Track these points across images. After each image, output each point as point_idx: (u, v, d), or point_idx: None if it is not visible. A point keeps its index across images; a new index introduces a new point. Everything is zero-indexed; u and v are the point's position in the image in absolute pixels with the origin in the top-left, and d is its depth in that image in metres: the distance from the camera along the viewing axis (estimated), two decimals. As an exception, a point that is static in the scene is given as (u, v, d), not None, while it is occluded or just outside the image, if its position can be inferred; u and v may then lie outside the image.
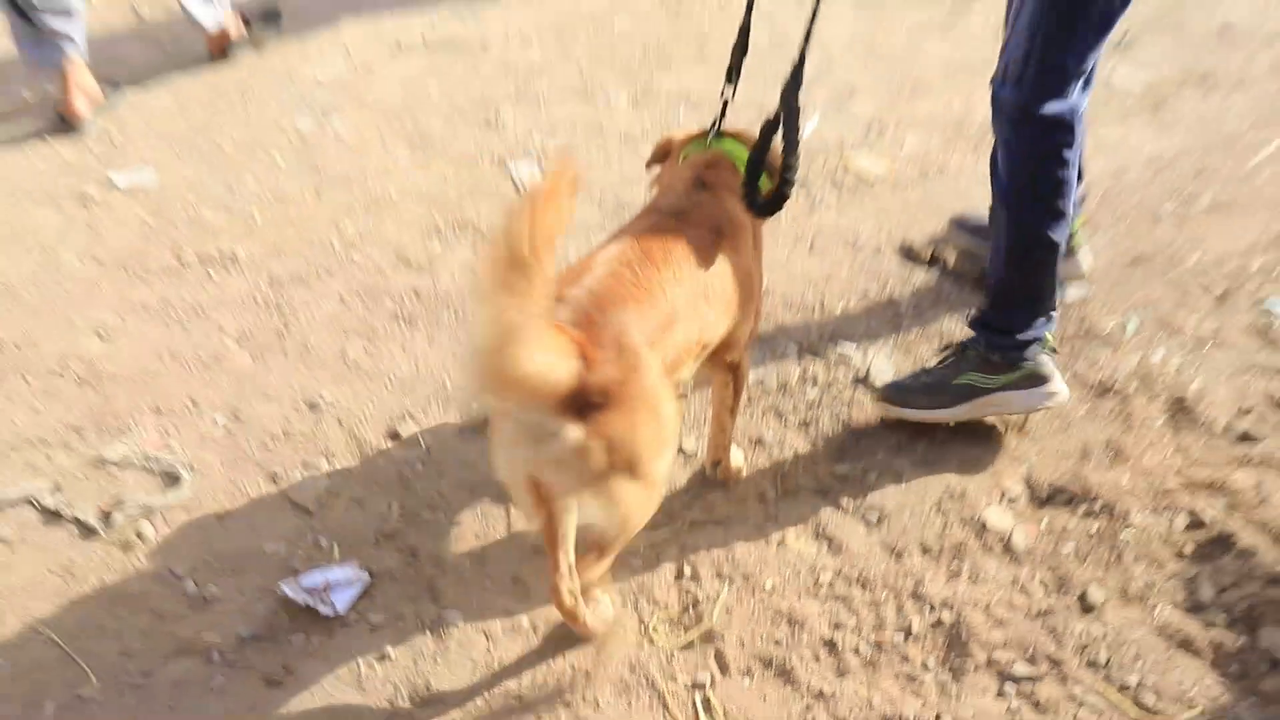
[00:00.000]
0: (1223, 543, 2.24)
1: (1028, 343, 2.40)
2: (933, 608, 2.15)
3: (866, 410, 2.61)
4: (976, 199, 3.26)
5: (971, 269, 2.99)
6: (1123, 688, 1.98)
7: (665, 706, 2.00)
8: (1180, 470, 2.40)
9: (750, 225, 2.15)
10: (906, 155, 3.55)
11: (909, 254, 3.10)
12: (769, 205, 2.07)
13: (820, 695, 2.00)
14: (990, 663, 2.04)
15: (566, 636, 2.12)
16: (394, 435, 2.62)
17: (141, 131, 3.99)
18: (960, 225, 3.07)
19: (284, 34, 4.58)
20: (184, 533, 2.42)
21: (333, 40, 4.58)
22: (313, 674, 2.09)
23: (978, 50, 4.11)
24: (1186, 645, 2.05)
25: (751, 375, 2.69)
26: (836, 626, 2.12)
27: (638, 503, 1.80)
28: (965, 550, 2.26)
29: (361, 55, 4.44)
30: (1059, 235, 2.30)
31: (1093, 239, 2.98)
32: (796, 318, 2.90)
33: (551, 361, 1.56)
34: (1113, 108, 3.69)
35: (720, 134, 2.23)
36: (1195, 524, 2.28)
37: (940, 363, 2.52)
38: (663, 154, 2.34)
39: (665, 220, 1.99)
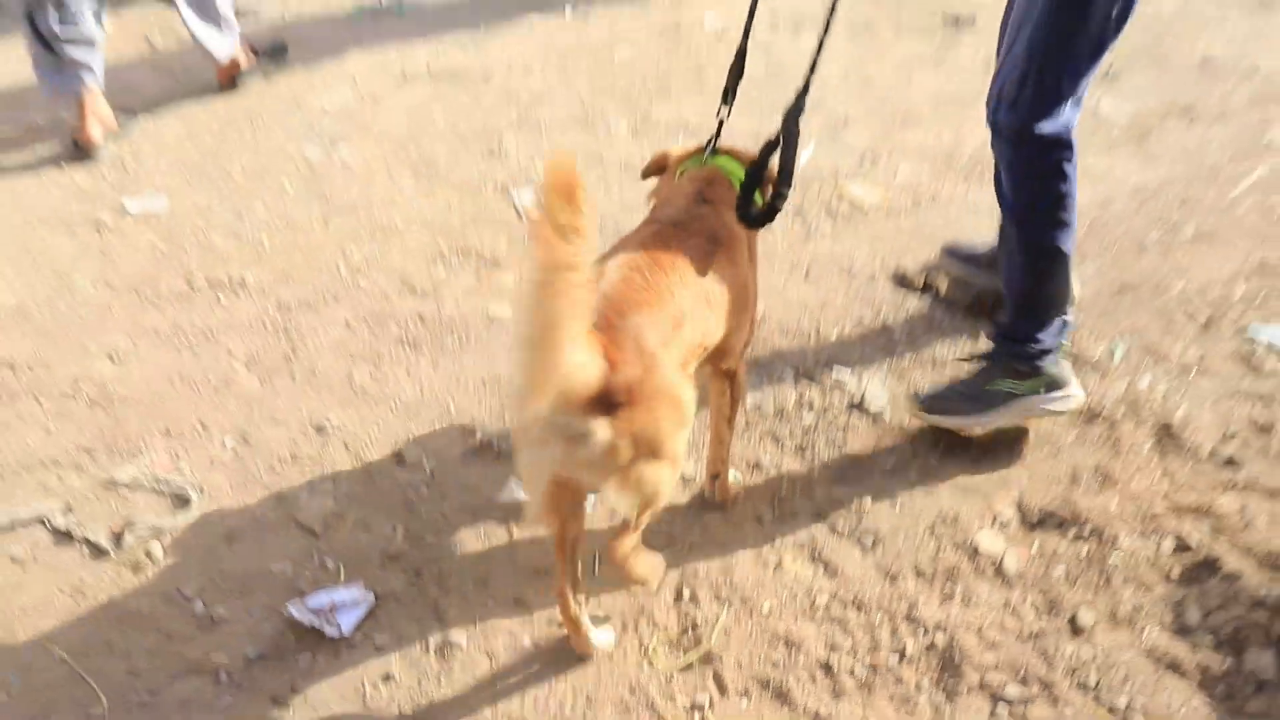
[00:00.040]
0: (1209, 566, 2.24)
1: (1048, 350, 2.46)
2: (926, 630, 2.14)
3: (861, 435, 2.61)
4: (967, 227, 3.28)
5: (963, 296, 3.00)
6: (1112, 709, 1.98)
7: (665, 727, 2.00)
8: (1167, 495, 2.41)
9: (746, 238, 2.20)
10: (899, 184, 3.56)
11: (902, 281, 3.10)
12: (761, 218, 2.12)
13: (817, 716, 2.00)
14: (983, 684, 2.04)
15: (568, 658, 2.12)
16: (399, 458, 2.62)
17: (154, 158, 4.01)
18: (951, 253, 3.08)
19: (292, 64, 4.60)
20: (192, 553, 2.42)
21: (339, 70, 4.60)
22: (319, 694, 2.09)
23: (967, 83, 4.13)
24: (1174, 667, 2.05)
25: (749, 400, 2.70)
26: (833, 648, 2.12)
27: (663, 481, 1.86)
28: (958, 573, 2.26)
29: (368, 85, 4.46)
30: (1068, 245, 2.36)
31: (1081, 267, 2.99)
32: (793, 343, 2.90)
33: (584, 362, 1.63)
34: (1099, 138, 3.71)
35: (715, 151, 2.27)
36: (1182, 548, 2.28)
37: (971, 374, 2.55)
38: (659, 167, 2.39)
39: (667, 229, 2.05)
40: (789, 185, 2.10)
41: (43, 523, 2.51)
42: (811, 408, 2.69)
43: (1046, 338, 2.45)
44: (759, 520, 2.40)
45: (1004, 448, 2.54)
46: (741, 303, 2.14)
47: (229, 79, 4.41)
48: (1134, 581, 2.22)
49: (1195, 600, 2.17)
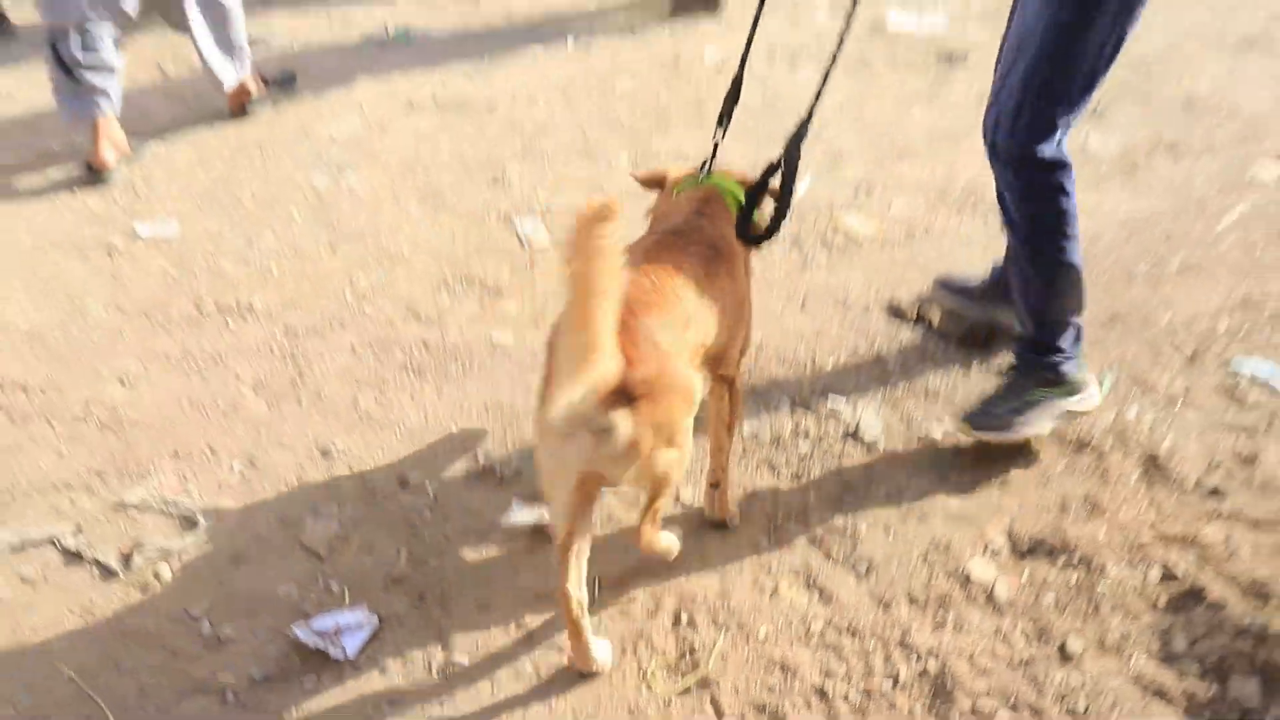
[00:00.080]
0: (1194, 595, 2.25)
1: (1070, 356, 2.55)
2: (919, 656, 2.15)
3: (856, 463, 2.62)
4: (960, 260, 3.30)
5: (955, 328, 3.02)
6: (1101, 736, 1.99)
7: (663, 751, 2.01)
8: (1154, 524, 2.42)
9: (742, 252, 2.29)
10: (894, 217, 3.59)
11: (896, 312, 3.13)
12: (760, 237, 2.23)
13: (811, 741, 2.01)
14: (974, 710, 2.04)
15: (569, 681, 2.12)
16: (403, 483, 2.63)
17: (165, 184, 4.03)
18: (944, 285, 3.10)
19: (301, 93, 4.63)
20: (200, 575, 2.42)
21: (347, 99, 4.63)
22: (323, 716, 2.09)
23: (960, 118, 4.17)
24: (1161, 694, 2.05)
25: (746, 428, 2.71)
26: (827, 674, 2.12)
27: (678, 466, 1.97)
28: (950, 601, 2.27)
29: (375, 114, 4.49)
30: (1076, 257, 2.44)
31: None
32: (789, 373, 2.92)
33: (610, 360, 1.73)
34: (1088, 173, 3.75)
35: (710, 173, 2.36)
36: (1168, 577, 2.30)
37: (1005, 388, 2.61)
38: (656, 181, 2.47)
39: (670, 239, 2.16)
40: (788, 208, 2.20)
41: (53, 543, 2.51)
42: (807, 436, 2.70)
43: (1066, 345, 2.55)
44: (756, 546, 2.41)
45: (995, 477, 2.56)
46: (739, 310, 2.24)
47: (240, 106, 4.45)
48: (1122, 609, 2.23)
49: (1181, 628, 2.18)
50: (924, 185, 3.75)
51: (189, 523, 2.55)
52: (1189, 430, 2.66)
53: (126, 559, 2.46)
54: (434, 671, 2.17)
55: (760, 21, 2.38)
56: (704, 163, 2.37)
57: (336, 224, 3.73)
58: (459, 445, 2.74)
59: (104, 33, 3.86)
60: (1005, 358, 2.81)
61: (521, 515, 2.49)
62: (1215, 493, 2.49)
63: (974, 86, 4.38)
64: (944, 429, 2.71)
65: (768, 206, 2.27)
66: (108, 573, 2.43)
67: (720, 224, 2.23)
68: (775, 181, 2.25)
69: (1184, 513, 2.44)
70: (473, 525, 2.50)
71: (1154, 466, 2.57)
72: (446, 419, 2.83)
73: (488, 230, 3.64)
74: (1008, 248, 2.85)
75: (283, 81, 4.61)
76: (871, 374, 2.91)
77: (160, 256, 3.59)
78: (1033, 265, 2.48)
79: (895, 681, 2.11)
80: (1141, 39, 2.38)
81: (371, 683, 2.15)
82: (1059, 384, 2.56)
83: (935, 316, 3.07)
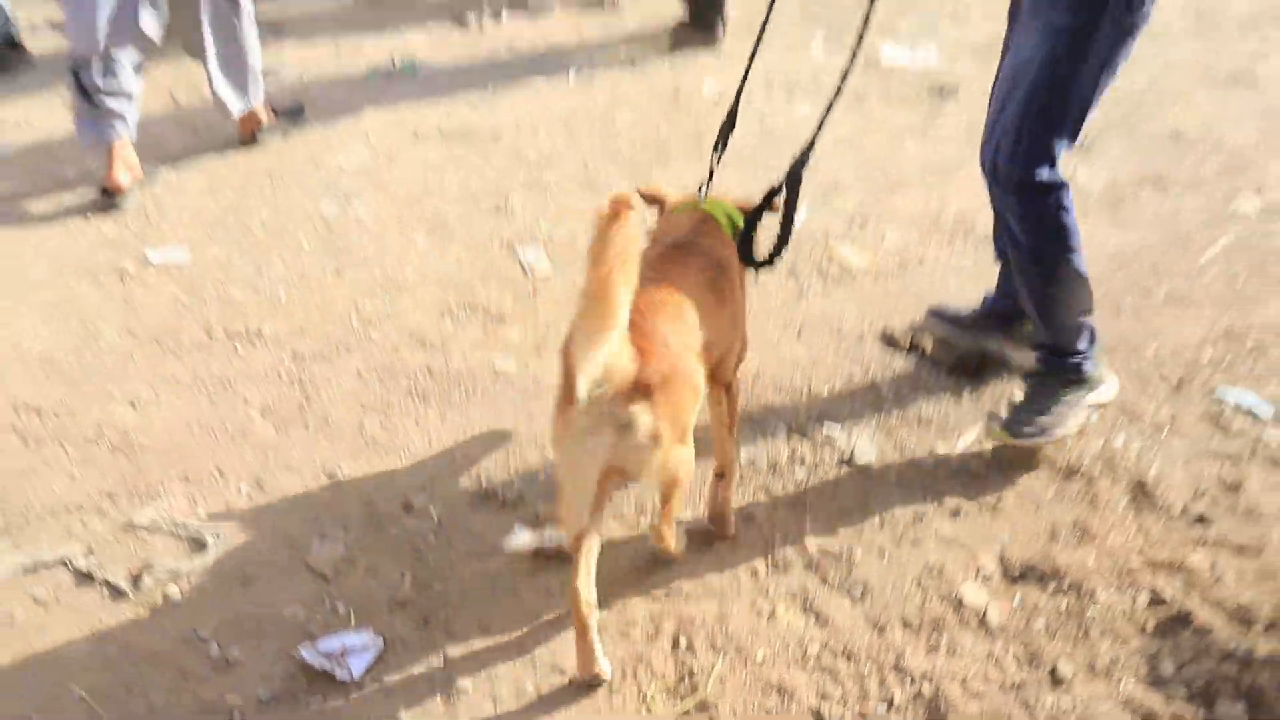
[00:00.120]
0: (1182, 620, 2.26)
1: (1089, 355, 2.63)
2: (913, 680, 2.16)
3: (851, 489, 2.64)
4: (951, 290, 3.33)
5: (947, 356, 3.04)
6: (1091, 760, 1.99)
7: (662, 772, 2.01)
8: (1142, 550, 2.44)
9: (737, 266, 2.39)
10: (887, 247, 3.62)
11: (889, 341, 3.15)
12: (764, 262, 2.36)
13: (808, 763, 2.01)
14: (967, 734, 2.05)
15: (571, 703, 2.13)
16: (408, 506, 2.64)
17: (176, 211, 4.05)
18: (936, 315, 3.12)
19: (309, 123, 4.66)
20: (209, 596, 2.43)
21: (355, 129, 4.66)
22: (329, 736, 2.10)
23: (951, 151, 4.20)
24: (1150, 718, 2.07)
25: (743, 455, 2.73)
26: (823, 697, 2.13)
27: (688, 462, 2.10)
28: (943, 624, 2.28)
29: (382, 144, 4.52)
30: (1081, 266, 2.53)
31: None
32: (785, 400, 2.94)
33: (624, 355, 1.85)
34: (1076, 205, 3.75)
35: (707, 196, 2.46)
36: (1156, 602, 2.31)
37: (1034, 394, 2.68)
38: (656, 200, 2.55)
39: (673, 252, 2.27)
40: (790, 234, 2.32)
41: (65, 564, 2.52)
42: (803, 462, 2.72)
43: (1084, 345, 2.64)
44: (753, 571, 2.42)
45: (987, 503, 2.58)
46: (735, 319, 2.37)
47: (250, 135, 4.47)
48: (1111, 634, 2.24)
49: (1169, 653, 2.20)
50: (916, 217, 3.78)
51: (198, 544, 2.56)
52: (1175, 458, 2.68)
53: (136, 580, 2.47)
54: (437, 692, 2.17)
55: (760, 57, 2.46)
56: (700, 186, 2.46)
57: (344, 252, 3.75)
58: (462, 470, 2.75)
59: (126, 60, 3.91)
60: (1025, 358, 2.87)
61: (523, 539, 2.50)
62: (1201, 519, 2.50)
63: (965, 120, 4.41)
64: (937, 454, 2.72)
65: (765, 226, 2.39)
66: (118, 593, 2.44)
67: (716, 240, 2.34)
68: (776, 201, 2.38)
69: (1171, 539, 2.46)
70: (476, 549, 2.51)
71: (1141, 493, 2.59)
72: (450, 444, 2.85)
73: (491, 258, 3.66)
74: (999, 277, 2.94)
75: (292, 112, 4.64)
76: (866, 401, 2.93)
77: (171, 282, 3.61)
78: (1041, 279, 2.56)
79: (890, 704, 2.12)
80: (1129, 74, 2.45)
81: (376, 704, 2.16)
82: (1083, 382, 2.65)
83: (928, 345, 3.09)
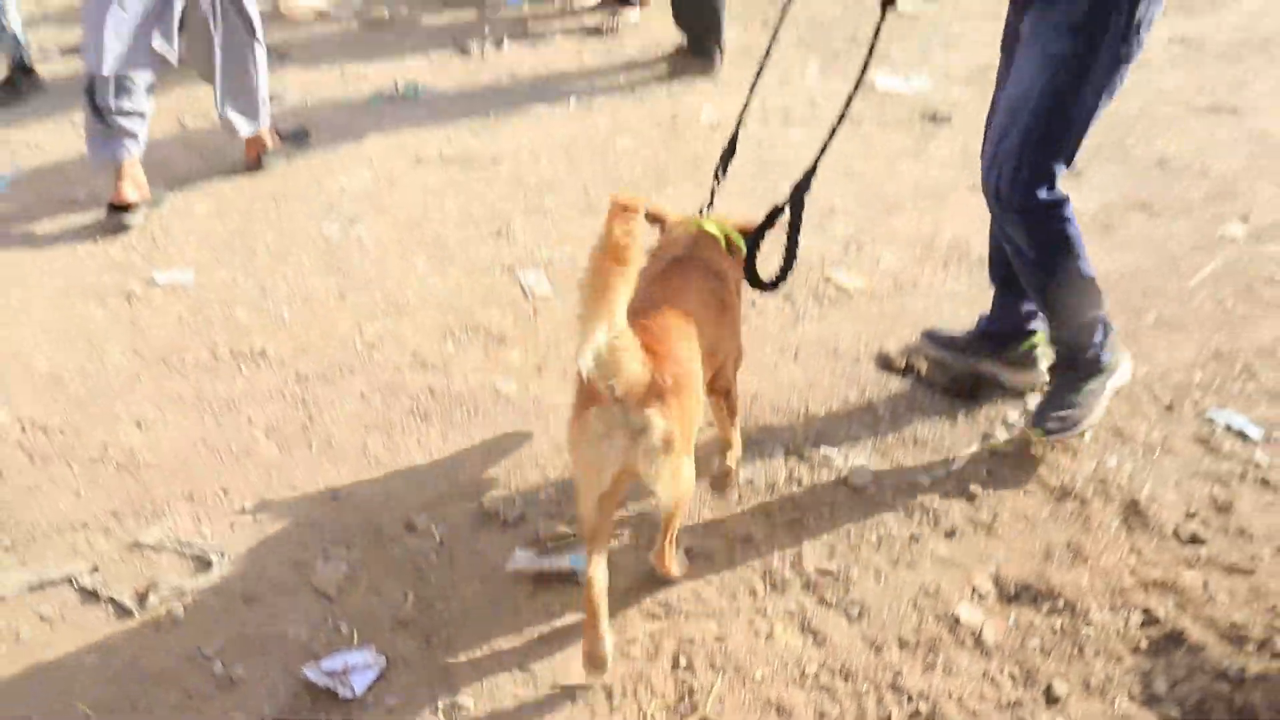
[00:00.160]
0: (1175, 639, 2.26)
1: (1105, 345, 2.71)
2: (910, 698, 2.16)
3: (848, 510, 2.64)
4: (945, 313, 3.34)
5: (941, 378, 3.05)
6: (1086, 778, 1.99)
7: (662, 791, 2.00)
8: (1135, 570, 2.44)
9: (734, 277, 2.50)
10: (882, 271, 3.63)
11: (885, 363, 3.15)
12: (770, 284, 2.47)
13: (807, 782, 2.00)
14: (964, 753, 2.05)
15: (571, 722, 2.13)
16: (410, 526, 2.64)
17: (182, 233, 4.06)
18: (931, 337, 3.13)
19: (313, 146, 4.67)
20: (213, 615, 2.43)
21: (358, 153, 4.68)
22: (332, 754, 2.09)
23: (944, 174, 4.23)
24: (1144, 737, 2.06)
25: (742, 475, 2.73)
26: (821, 716, 2.13)
27: (691, 478, 2.18)
28: (940, 644, 2.28)
29: (384, 168, 4.53)
30: (1089, 269, 2.60)
31: (1051, 354, 3.04)
32: (783, 422, 2.94)
33: (638, 362, 1.92)
34: (1066, 231, 3.79)
35: (707, 215, 2.56)
36: (1149, 621, 2.31)
37: (1060, 388, 2.75)
38: (656, 219, 2.59)
39: (676, 265, 2.36)
40: (795, 255, 2.45)
41: (71, 582, 2.51)
42: (800, 483, 2.72)
43: (1099, 338, 2.70)
44: (752, 591, 2.42)
45: (982, 523, 2.58)
46: (733, 328, 2.49)
47: (255, 159, 4.49)
48: (1105, 653, 2.24)
49: (1162, 671, 2.20)
50: (911, 240, 3.80)
51: (203, 563, 2.56)
52: (1167, 479, 2.69)
53: (142, 598, 2.46)
54: (439, 711, 2.17)
55: (759, 82, 2.51)
56: (701, 208, 2.56)
57: (347, 274, 3.76)
58: (464, 490, 2.75)
59: (140, 80, 3.94)
60: (1019, 380, 2.97)
61: (525, 560, 2.49)
62: (1193, 539, 2.51)
63: (958, 145, 4.44)
64: (932, 474, 2.73)
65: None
66: (123, 611, 2.43)
67: (715, 253, 2.45)
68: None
69: (1163, 558, 2.46)
70: (478, 568, 2.51)
71: (1134, 514, 2.59)
72: (452, 464, 2.84)
73: (492, 281, 3.67)
74: (994, 300, 2.95)
75: (296, 136, 4.66)
76: (862, 423, 2.93)
77: (177, 303, 3.62)
78: (1052, 287, 2.62)
79: (887, 723, 2.11)
80: (1118, 101, 2.48)
81: (379, 722, 2.15)
82: (1102, 370, 2.72)
83: (923, 367, 3.10)
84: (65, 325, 3.51)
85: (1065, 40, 2.33)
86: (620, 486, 2.12)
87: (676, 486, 2.11)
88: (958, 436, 2.86)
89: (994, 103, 2.72)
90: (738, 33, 5.72)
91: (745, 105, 2.59)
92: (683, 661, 2.25)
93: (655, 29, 5.88)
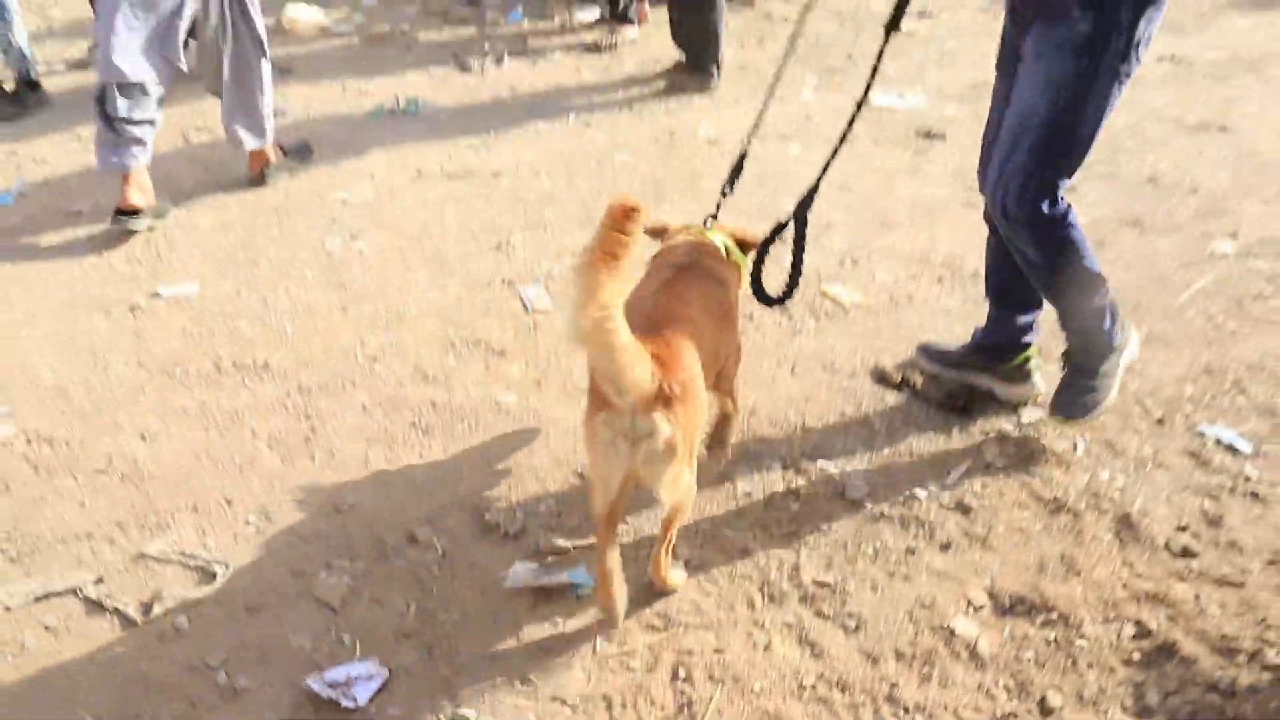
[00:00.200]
0: (1166, 651, 2.27)
1: (1114, 327, 2.76)
2: (906, 710, 2.16)
3: (844, 523, 2.64)
4: (940, 327, 3.35)
5: (936, 392, 3.06)
6: (1081, 790, 1.99)
7: (662, 802, 2.00)
8: (1127, 583, 2.45)
9: (734, 283, 2.56)
10: (878, 285, 3.65)
11: (881, 377, 3.16)
12: (777, 299, 2.56)
13: (804, 793, 2.00)
14: (959, 764, 2.05)
15: (571, 733, 2.13)
16: (412, 538, 2.64)
17: (186, 246, 4.07)
18: (925, 352, 3.15)
19: (315, 161, 4.69)
20: (217, 626, 2.42)
21: (359, 167, 4.69)
22: (335, 765, 2.09)
23: (939, 190, 4.25)
24: (1137, 749, 2.07)
25: (740, 487, 2.74)
26: (819, 727, 2.13)
27: (691, 489, 2.25)
28: (935, 656, 2.28)
29: (385, 182, 4.55)
30: (1094, 264, 2.64)
31: (1046, 367, 3.05)
32: (780, 435, 2.95)
33: (646, 370, 1.97)
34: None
35: (710, 225, 2.64)
36: (1142, 633, 2.32)
37: (1077, 373, 2.81)
38: (658, 232, 2.68)
39: (681, 272, 2.41)
40: (800, 273, 2.53)
41: (76, 593, 2.51)
42: (798, 496, 2.73)
43: (1109, 322, 2.75)
44: (750, 604, 2.42)
45: (976, 536, 2.59)
46: (733, 332, 2.57)
47: (258, 173, 4.50)
48: (1098, 665, 2.25)
49: (1154, 683, 2.20)
50: (906, 255, 3.82)
51: (206, 574, 2.56)
52: (1159, 492, 2.70)
53: (146, 609, 2.46)
54: (441, 722, 2.16)
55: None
56: (706, 218, 2.63)
57: (348, 286, 3.77)
58: (465, 502, 2.75)
59: (152, 90, 3.97)
60: (1013, 393, 3.01)
61: (524, 576, 2.49)
62: (1185, 552, 2.51)
63: (952, 162, 4.47)
64: (928, 487, 2.73)
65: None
66: (128, 622, 2.43)
67: (716, 260, 2.52)
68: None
69: (1155, 571, 2.47)
70: (479, 580, 2.51)
71: (1126, 527, 2.60)
72: (453, 477, 2.85)
73: (492, 295, 3.68)
74: (989, 312, 2.99)
75: (299, 151, 4.68)
76: (858, 436, 2.94)
77: (181, 316, 3.62)
78: (1061, 287, 2.68)
79: (884, 735, 2.11)
80: (1109, 118, 2.49)
81: (381, 733, 2.15)
82: (1114, 350, 2.78)
83: (918, 381, 3.11)
84: (70, 337, 3.51)
85: (1069, 61, 2.38)
86: (628, 486, 2.19)
87: (677, 490, 2.17)
88: (952, 450, 2.87)
89: (990, 120, 2.75)
90: (734, 50, 5.77)
91: (756, 124, 2.63)
92: (681, 673, 2.25)
93: (653, 46, 5.92)
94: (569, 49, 6.05)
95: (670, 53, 5.54)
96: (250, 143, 4.36)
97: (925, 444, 2.90)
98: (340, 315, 3.61)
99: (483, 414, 3.08)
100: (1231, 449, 2.83)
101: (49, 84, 5.55)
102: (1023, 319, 2.94)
